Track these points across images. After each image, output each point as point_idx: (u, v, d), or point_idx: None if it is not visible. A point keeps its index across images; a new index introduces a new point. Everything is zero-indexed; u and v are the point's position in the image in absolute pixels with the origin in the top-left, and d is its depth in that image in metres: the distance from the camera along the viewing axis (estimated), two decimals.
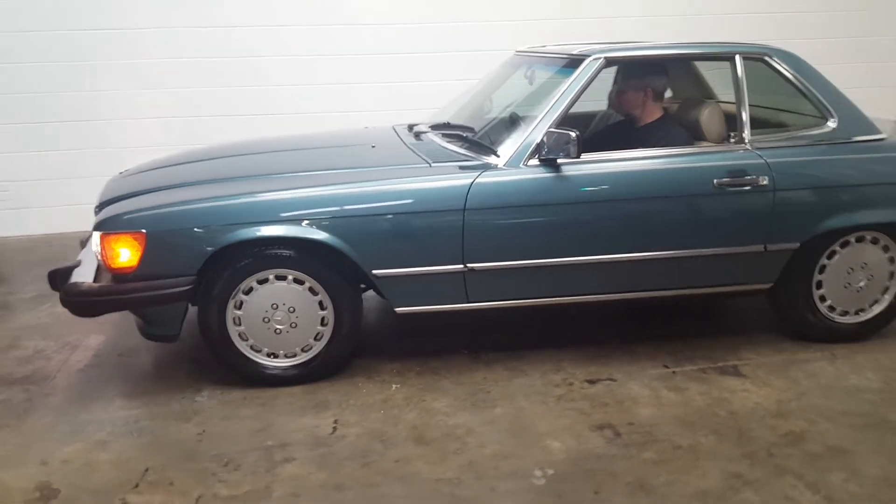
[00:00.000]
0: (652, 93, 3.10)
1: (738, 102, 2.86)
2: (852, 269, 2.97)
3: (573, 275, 2.79)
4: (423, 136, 3.17)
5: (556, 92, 2.78)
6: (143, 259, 2.53)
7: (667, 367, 2.90)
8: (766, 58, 2.91)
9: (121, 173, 3.31)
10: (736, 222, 2.81)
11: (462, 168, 2.73)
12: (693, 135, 3.02)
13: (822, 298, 3.00)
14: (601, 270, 2.79)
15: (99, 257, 2.57)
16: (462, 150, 2.88)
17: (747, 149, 2.82)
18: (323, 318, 2.71)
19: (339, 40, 4.86)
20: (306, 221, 2.57)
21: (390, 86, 4.94)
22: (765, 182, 2.76)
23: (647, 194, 2.75)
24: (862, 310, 3.05)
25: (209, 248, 2.52)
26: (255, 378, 2.74)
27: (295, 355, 2.74)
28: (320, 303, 2.69)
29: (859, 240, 2.94)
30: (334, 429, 2.49)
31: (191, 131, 4.74)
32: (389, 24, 4.89)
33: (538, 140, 2.68)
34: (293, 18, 4.79)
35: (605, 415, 2.55)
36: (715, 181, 2.74)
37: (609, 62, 2.84)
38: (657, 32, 4.79)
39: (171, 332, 2.68)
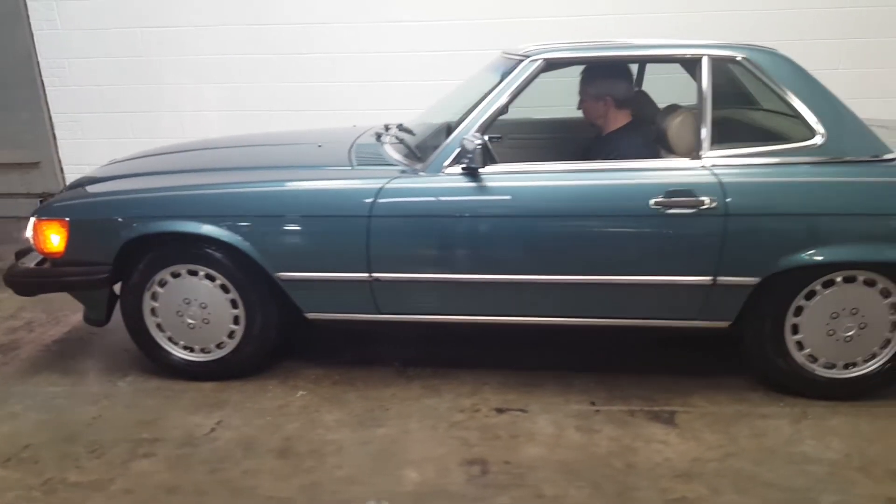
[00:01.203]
0: (613, 100, 2.77)
1: (700, 111, 2.47)
2: (837, 314, 2.48)
3: (490, 294, 2.57)
4: (382, 137, 3.06)
5: (485, 96, 2.57)
6: (68, 245, 2.67)
7: (594, 403, 2.60)
8: (740, 59, 2.49)
9: (110, 161, 3.51)
10: (677, 249, 2.44)
11: (378, 172, 2.60)
12: (665, 147, 2.66)
13: (800, 345, 2.53)
14: (519, 292, 2.55)
15: (31, 241, 2.74)
16: (395, 154, 2.74)
17: (702, 166, 2.43)
18: (235, 317, 2.71)
19: (379, 38, 4.83)
20: (211, 219, 2.57)
21: (427, 84, 4.83)
22: (713, 205, 2.36)
23: (572, 212, 2.46)
24: (852, 364, 2.54)
25: (121, 240, 2.61)
26: (172, 369, 2.81)
27: (209, 351, 2.77)
28: (232, 301, 2.69)
29: (848, 280, 2.45)
30: (212, 430, 2.49)
31: (241, 124, 4.92)
32: (429, 21, 4.77)
33: (458, 147, 2.48)
34: (335, 16, 4.82)
35: (488, 449, 2.33)
36: (652, 201, 2.39)
37: (550, 64, 2.57)
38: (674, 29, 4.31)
39: (99, 316, 2.80)
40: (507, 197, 2.48)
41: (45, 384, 2.84)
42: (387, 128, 3.15)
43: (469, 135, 2.42)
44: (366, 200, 2.50)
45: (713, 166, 2.42)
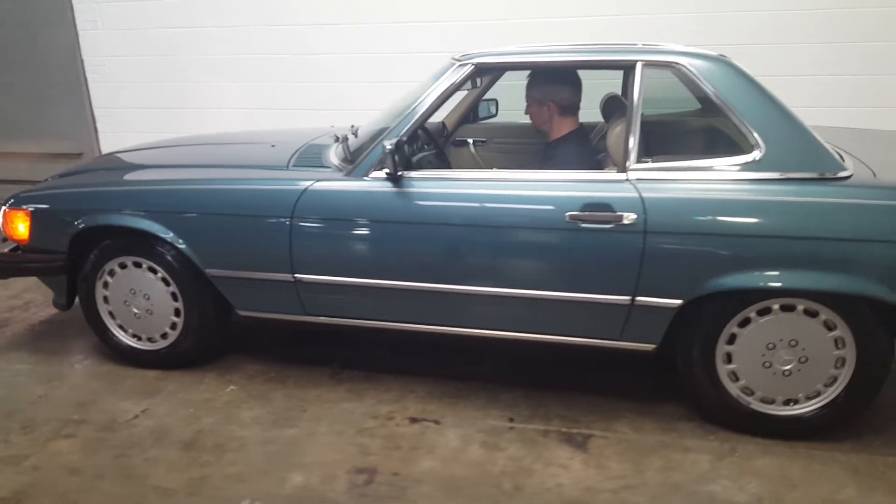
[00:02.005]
0: (556, 107, 2.66)
1: (628, 121, 2.34)
2: (774, 345, 2.28)
3: (409, 302, 2.53)
4: (339, 139, 3.07)
5: (413, 100, 2.53)
6: (31, 234, 2.85)
7: (512, 420, 2.51)
8: (677, 65, 2.33)
9: (106, 154, 3.71)
10: (593, 266, 2.32)
11: (307, 175, 2.62)
12: (609, 158, 2.54)
13: (735, 376, 2.36)
14: (436, 301, 2.50)
15: (1, 229, 2.94)
16: (333, 158, 2.75)
17: (626, 179, 2.30)
18: (176, 310, 2.80)
19: (395, 38, 4.85)
20: (147, 214, 2.67)
21: None
22: (631, 221, 2.23)
23: (487, 222, 2.38)
24: (793, 401, 2.34)
25: (71, 231, 2.75)
26: (123, 356, 2.94)
27: (154, 340, 2.88)
28: (173, 294, 2.78)
29: (787, 308, 2.25)
30: (135, 417, 2.59)
31: (261, 122, 5.09)
32: (445, 21, 4.74)
33: (381, 152, 2.47)
34: (351, 17, 4.88)
35: (383, 459, 2.31)
36: (567, 215, 2.29)
37: (479, 69, 2.50)
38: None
39: (62, 301, 2.97)
40: (424, 204, 2.44)
41: (14, 361, 3.04)
42: (352, 129, 3.16)
43: (386, 140, 2.39)
44: (289, 201, 2.52)
45: (637, 180, 2.28)
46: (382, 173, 2.46)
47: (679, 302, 2.27)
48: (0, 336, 3.29)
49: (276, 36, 5.01)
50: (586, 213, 2.27)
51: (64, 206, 2.79)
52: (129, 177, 2.90)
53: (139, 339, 2.90)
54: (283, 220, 2.52)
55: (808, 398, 2.32)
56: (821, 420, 2.32)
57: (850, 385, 2.26)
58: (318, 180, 2.54)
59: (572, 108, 2.69)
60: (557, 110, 2.66)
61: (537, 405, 2.60)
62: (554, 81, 2.65)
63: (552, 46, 2.55)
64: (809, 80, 4.21)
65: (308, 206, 2.51)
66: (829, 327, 2.23)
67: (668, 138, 2.47)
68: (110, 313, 2.89)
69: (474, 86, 3.14)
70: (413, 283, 2.49)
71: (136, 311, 2.84)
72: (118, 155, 3.42)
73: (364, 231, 2.49)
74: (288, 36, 5.00)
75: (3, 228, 2.92)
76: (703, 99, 2.35)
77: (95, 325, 2.92)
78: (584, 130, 2.72)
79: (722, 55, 2.36)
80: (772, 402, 2.35)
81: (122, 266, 2.80)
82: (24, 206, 2.85)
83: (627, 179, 2.28)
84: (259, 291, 2.66)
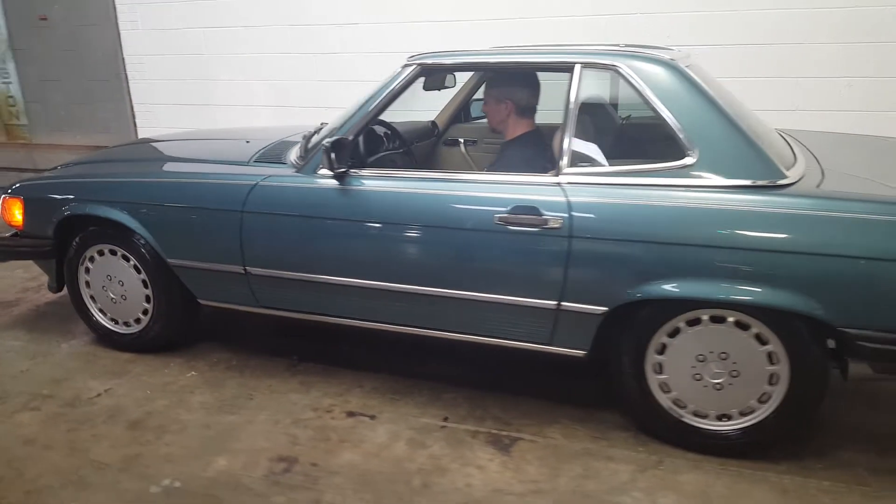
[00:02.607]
0: (514, 106, 2.65)
1: (563, 124, 2.31)
2: (704, 357, 2.21)
3: (351, 298, 2.58)
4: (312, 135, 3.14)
5: (362, 100, 2.58)
6: (24, 221, 3.06)
7: (446, 419, 2.53)
8: (615, 68, 2.29)
9: (111, 147, 3.93)
10: (519, 268, 2.30)
11: (262, 170, 2.70)
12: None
13: (665, 388, 2.30)
14: (376, 298, 2.53)
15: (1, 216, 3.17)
16: (292, 154, 2.81)
17: (557, 182, 2.27)
18: (147, 296, 2.95)
19: (418, 37, 4.90)
20: (118, 205, 2.82)
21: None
22: (556, 225, 2.21)
23: (422, 221, 2.40)
24: (726, 416, 2.25)
25: (56, 218, 2.94)
26: (103, 338, 3.11)
27: (129, 325, 3.04)
28: (144, 281, 2.93)
29: (717, 320, 2.18)
30: (98, 395, 2.74)
31: (287, 119, 5.25)
32: (466, 20, 4.75)
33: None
34: (375, 17, 4.96)
35: (308, 449, 2.37)
36: (496, 216, 2.28)
37: (425, 70, 2.52)
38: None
39: (52, 284, 3.18)
40: (361, 202, 2.47)
41: (11, 338, 3.27)
42: (319, 126, 3.23)
43: (327, 138, 2.45)
44: (240, 196, 2.62)
45: (568, 184, 2.25)
46: (329, 171, 2.51)
47: (604, 309, 2.22)
48: (7, 314, 3.54)
49: (298, 35, 5.16)
50: (514, 215, 2.25)
51: (51, 195, 2.99)
52: (110, 169, 3.07)
53: (116, 322, 3.06)
54: (234, 213, 2.62)
55: (742, 414, 2.23)
56: (754, 438, 2.23)
57: (784, 403, 2.16)
58: (269, 176, 2.63)
59: (529, 110, 2.67)
60: (515, 110, 2.65)
61: (477, 406, 2.60)
62: (513, 82, 2.64)
63: (499, 48, 2.54)
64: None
65: (257, 201, 2.59)
66: (762, 341, 2.14)
67: (607, 141, 2.42)
68: (91, 297, 3.07)
69: (441, 86, 3.12)
70: (350, 279, 2.53)
71: (112, 296, 3.00)
72: (119, 147, 3.63)
73: (306, 227, 2.55)
74: (309, 35, 5.14)
75: (2, 214, 3.15)
76: (642, 102, 2.28)
77: (79, 307, 3.11)
78: (540, 133, 2.70)
79: (663, 57, 2.29)
80: (705, 416, 2.27)
81: (101, 253, 2.97)
82: (19, 194, 3.06)
83: (558, 183, 2.26)
84: (215, 282, 2.77)
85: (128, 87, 5.73)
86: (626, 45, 2.52)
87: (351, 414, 2.57)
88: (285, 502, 2.11)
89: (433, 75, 2.59)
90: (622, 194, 2.19)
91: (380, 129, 3.03)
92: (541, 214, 2.22)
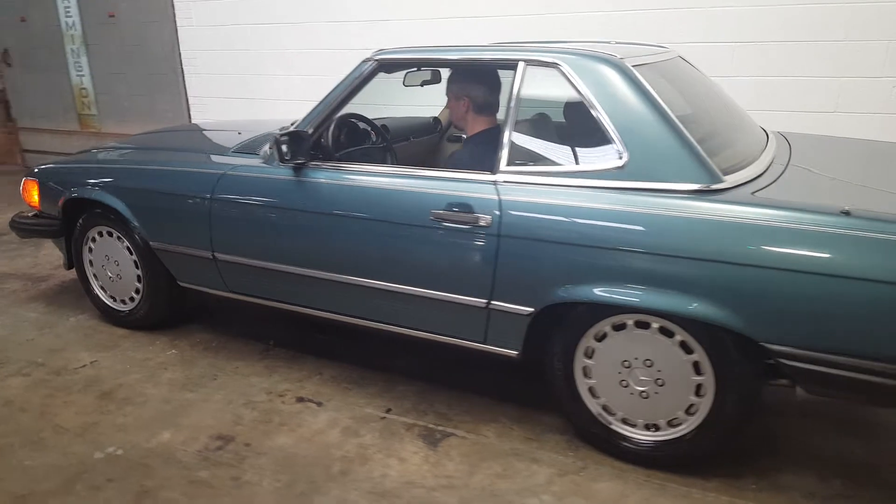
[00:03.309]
0: (471, 103, 2.64)
1: (505, 121, 2.29)
2: (630, 363, 2.15)
3: (306, 287, 2.65)
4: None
5: (324, 95, 2.65)
6: (40, 201, 3.33)
7: (389, 411, 2.56)
8: (557, 65, 2.24)
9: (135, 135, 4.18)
10: (451, 265, 2.30)
11: (234, 160, 2.82)
12: None
13: (595, 393, 2.24)
14: (326, 288, 2.59)
15: (22, 196, 3.46)
16: (266, 146, 2.90)
17: (493, 181, 2.25)
18: (138, 276, 3.14)
19: (451, 33, 4.94)
20: (109, 190, 3.02)
21: None
22: (487, 224, 2.19)
23: (362, 215, 2.43)
24: (654, 426, 2.18)
25: (62, 200, 3.19)
26: (103, 313, 3.34)
27: (124, 303, 3.25)
28: (135, 262, 3.13)
29: (641, 325, 2.11)
30: (83, 366, 2.95)
31: None
32: (497, 16, 4.75)
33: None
34: (406, 13, 5.04)
35: (248, 430, 2.46)
36: (432, 213, 2.29)
37: (382, 66, 2.56)
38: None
39: (65, 262, 3.43)
40: (312, 193, 2.54)
41: (31, 310, 3.56)
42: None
43: (281, 132, 2.53)
44: (210, 184, 2.75)
45: (504, 182, 2.23)
46: (292, 162, 2.59)
47: (531, 310, 2.19)
48: (35, 288, 3.86)
49: (335, 31, 5.30)
50: (447, 212, 2.26)
51: (59, 179, 3.23)
52: (114, 155, 3.29)
53: (114, 300, 3.28)
54: (204, 201, 2.75)
55: (670, 425, 2.14)
56: (682, 450, 2.14)
57: (710, 417, 2.07)
58: (237, 166, 2.74)
59: (487, 107, 2.65)
60: (473, 107, 2.64)
61: (424, 400, 2.62)
62: (471, 78, 2.64)
63: (452, 46, 2.55)
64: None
65: (223, 190, 2.71)
66: (688, 350, 2.05)
67: (549, 140, 2.37)
68: (94, 275, 3.30)
69: (421, 83, 3.13)
70: (300, 269, 2.61)
71: (110, 274, 3.22)
72: (138, 135, 3.88)
73: (262, 216, 2.65)
74: (346, 31, 5.27)
75: (22, 195, 3.43)
76: (582, 101, 2.23)
77: (84, 284, 3.35)
78: (500, 130, 2.67)
79: (606, 55, 2.22)
80: (633, 424, 2.21)
81: (101, 234, 3.18)
82: (36, 177, 3.33)
83: (494, 181, 2.24)
84: (190, 266, 2.92)
85: (183, 80, 6.05)
86: (586, 42, 2.47)
87: (300, 399, 2.65)
88: (207, 477, 2.21)
89: (391, 71, 2.62)
90: (551, 194, 2.15)
91: (362, 125, 3.09)
92: (472, 212, 2.22)
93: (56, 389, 2.76)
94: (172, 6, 5.85)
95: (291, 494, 2.12)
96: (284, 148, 2.47)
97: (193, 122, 6.07)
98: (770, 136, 2.68)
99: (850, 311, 1.78)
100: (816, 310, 1.82)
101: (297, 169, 2.57)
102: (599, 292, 2.07)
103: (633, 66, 2.22)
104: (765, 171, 2.20)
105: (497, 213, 2.18)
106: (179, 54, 5.99)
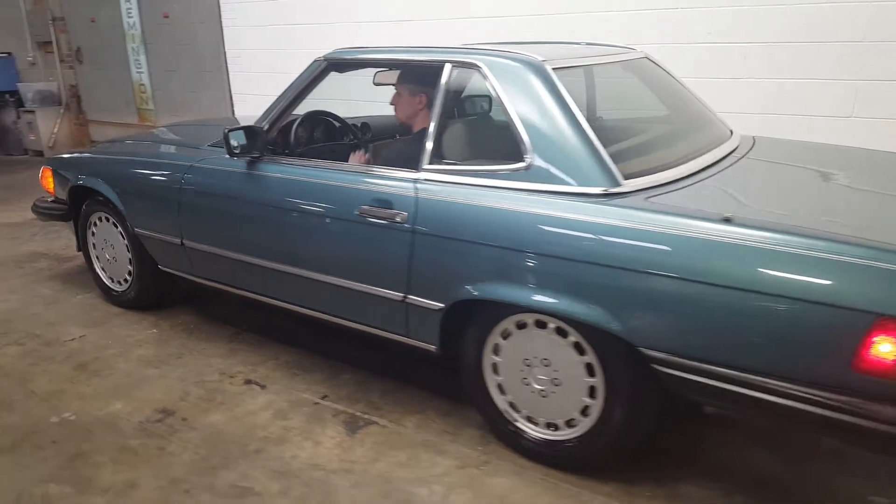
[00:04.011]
0: (427, 100, 2.71)
1: (430, 120, 2.35)
2: (530, 361, 2.17)
3: (256, 275, 2.78)
4: None
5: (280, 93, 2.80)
6: (54, 188, 3.64)
7: (324, 397, 2.67)
8: (477, 67, 2.28)
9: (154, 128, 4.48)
10: (374, 259, 2.38)
11: (204, 153, 3.00)
12: None
13: (502, 390, 2.27)
14: (272, 277, 2.72)
15: (40, 182, 3.79)
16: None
17: (414, 178, 2.31)
18: (130, 259, 3.39)
19: (468, 34, 5.00)
20: (103, 178, 3.28)
21: None
22: (402, 219, 2.26)
23: (302, 208, 2.54)
24: (554, 425, 2.19)
25: (68, 187, 3.48)
26: (104, 293, 3.62)
27: (120, 284, 3.51)
28: (127, 246, 3.37)
29: (540, 325, 2.12)
30: (72, 339, 3.21)
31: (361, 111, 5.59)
32: (515, 16, 4.78)
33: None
34: (432, 13, 5.14)
35: (191, 406, 2.62)
36: (358, 207, 2.38)
37: (331, 65, 2.68)
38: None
39: (77, 244, 3.74)
40: (257, 186, 2.67)
41: (47, 287, 3.89)
42: None
43: (230, 127, 2.68)
44: (179, 175, 2.94)
45: (425, 180, 2.29)
46: (248, 156, 2.74)
47: (441, 305, 2.25)
48: (58, 267, 4.20)
49: (361, 31, 5.45)
50: (371, 207, 2.34)
51: (67, 167, 3.53)
52: (116, 147, 3.56)
53: (112, 280, 3.54)
54: (173, 190, 2.95)
55: (568, 426, 2.15)
56: (576, 452, 2.14)
57: (602, 419, 2.06)
58: (203, 158, 2.92)
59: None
60: (427, 104, 2.71)
61: (361, 389, 2.71)
62: (428, 77, 2.70)
63: (394, 47, 2.65)
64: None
65: (189, 180, 2.90)
66: (581, 351, 2.05)
67: (470, 139, 2.40)
68: (97, 257, 3.58)
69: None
70: (247, 256, 2.76)
71: (108, 256, 3.49)
72: (158, 128, 4.15)
73: (220, 206, 2.82)
74: (372, 31, 5.42)
75: (41, 181, 3.76)
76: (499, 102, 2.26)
77: (88, 264, 3.63)
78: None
79: (525, 56, 2.24)
80: (536, 423, 2.22)
81: (100, 219, 3.45)
82: (50, 165, 3.64)
83: (415, 179, 2.31)
84: (165, 252, 3.13)
85: (228, 77, 6.38)
86: (526, 43, 2.50)
87: (248, 382, 2.80)
88: (136, 445, 2.39)
89: (341, 70, 2.74)
90: (460, 193, 2.19)
91: (335, 123, 3.22)
92: (391, 208, 2.29)
93: (41, 359, 3.03)
94: (219, 7, 6.18)
95: (202, 467, 2.26)
96: (232, 142, 2.62)
97: (236, 115, 6.38)
98: (734, 139, 2.62)
99: (713, 318, 1.75)
100: (685, 316, 1.80)
101: (252, 163, 2.71)
102: (498, 291, 2.10)
103: (558, 68, 2.23)
104: (686, 177, 2.16)
105: (413, 209, 2.24)
106: (224, 53, 6.32)
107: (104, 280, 3.58)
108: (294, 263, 2.61)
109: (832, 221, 1.83)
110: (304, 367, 2.90)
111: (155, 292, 3.43)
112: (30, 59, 7.95)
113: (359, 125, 3.30)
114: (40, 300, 3.69)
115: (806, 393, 1.67)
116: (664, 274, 1.80)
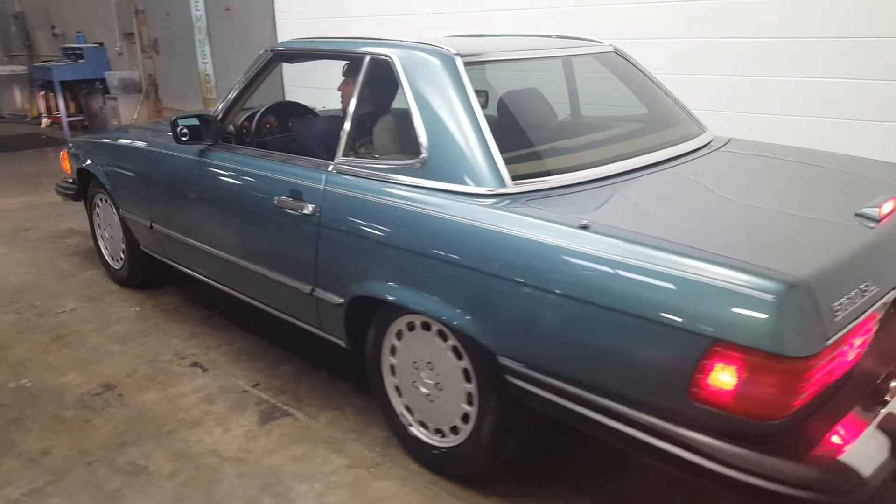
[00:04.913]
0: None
1: (345, 113, 2.34)
2: (418, 364, 2.11)
3: (202, 258, 2.88)
4: None
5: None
6: (70, 169, 3.90)
7: (256, 385, 2.71)
8: (392, 60, 2.24)
9: None
10: (288, 250, 2.39)
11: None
12: None
13: (399, 392, 2.23)
14: (216, 262, 2.79)
15: (61, 164, 4.05)
16: None
17: (326, 170, 2.29)
18: (122, 238, 3.57)
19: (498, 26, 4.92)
20: (98, 164, 3.48)
21: None
22: (310, 211, 2.25)
23: (234, 196, 2.61)
24: (441, 431, 2.12)
25: (76, 168, 3.71)
26: (106, 271, 3.84)
27: (117, 262, 3.71)
28: (120, 226, 3.56)
29: (426, 327, 2.07)
30: (63, 312, 3.43)
31: None
32: (545, 7, 4.64)
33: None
34: (462, 6, 5.09)
35: (133, 383, 2.74)
36: (276, 198, 2.40)
37: (276, 56, 2.71)
38: None
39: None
40: (205, 173, 2.75)
41: (66, 262, 4.16)
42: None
43: (179, 116, 2.77)
44: (149, 161, 3.08)
45: (336, 173, 2.27)
46: (196, 144, 2.80)
47: (342, 300, 2.23)
48: (84, 245, 4.47)
49: (399, 24, 5.48)
50: (286, 198, 2.35)
51: (77, 151, 3.76)
52: (116, 133, 3.76)
53: (112, 259, 3.75)
54: (145, 176, 3.08)
55: (452, 432, 2.08)
56: (455, 459, 2.07)
57: (476, 428, 1.98)
58: (170, 145, 3.02)
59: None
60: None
61: (293, 381, 2.73)
62: (356, 67, 2.69)
63: (327, 38, 2.69)
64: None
65: (156, 166, 3.03)
66: (459, 356, 1.98)
67: (382, 133, 2.34)
68: (101, 236, 3.80)
69: None
70: (194, 241, 2.87)
71: (107, 235, 3.69)
72: (168, 115, 4.34)
73: (175, 191, 2.96)
74: (409, 24, 5.43)
75: (61, 163, 4.03)
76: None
77: (95, 243, 3.87)
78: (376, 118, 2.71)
79: (439, 48, 2.17)
80: (427, 427, 2.16)
81: (102, 200, 3.66)
82: (66, 149, 3.90)
83: (328, 171, 2.30)
84: (142, 234, 3.28)
85: (281, 69, 6.56)
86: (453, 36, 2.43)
87: (194, 364, 2.89)
88: (69, 416, 2.52)
89: (287, 60, 2.79)
90: (361, 188, 2.16)
91: (309, 114, 3.26)
92: (302, 200, 2.29)
93: (28, 328, 3.25)
94: (272, 3, 6.36)
95: (114, 442, 2.35)
96: (178, 130, 2.70)
97: None
98: (693, 141, 2.43)
99: (558, 330, 1.64)
100: (534, 326, 1.71)
101: (204, 151, 2.79)
102: (385, 290, 2.06)
103: (472, 62, 2.16)
104: (588, 181, 2.02)
105: (320, 202, 2.23)
106: None
107: (106, 257, 3.79)
108: (229, 251, 2.67)
109: (702, 237, 1.65)
110: (253, 354, 2.95)
111: (143, 272, 3.59)
112: (117, 49, 8.52)
113: (321, 115, 3.32)
114: (55, 274, 3.96)
115: (641, 419, 1.53)
116: (515, 279, 1.71)
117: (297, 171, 2.38)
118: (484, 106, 3.36)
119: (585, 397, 1.62)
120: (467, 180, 1.94)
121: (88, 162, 3.54)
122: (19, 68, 9.54)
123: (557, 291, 1.63)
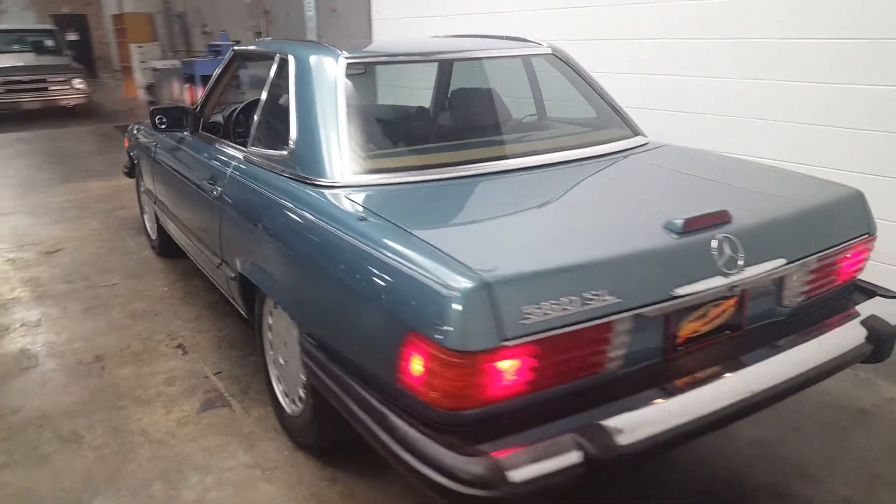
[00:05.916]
0: None
1: (256, 104, 2.58)
2: (280, 340, 2.28)
3: (177, 234, 3.25)
4: None
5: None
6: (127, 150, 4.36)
7: (219, 373, 2.85)
8: (287, 59, 2.40)
9: None
10: (208, 227, 2.68)
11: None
12: None
13: (277, 364, 2.38)
14: (182, 239, 3.16)
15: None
16: None
17: (238, 155, 2.54)
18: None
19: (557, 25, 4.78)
20: (134, 143, 4.02)
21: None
22: (217, 193, 2.52)
23: (185, 178, 2.96)
24: (294, 400, 2.28)
25: (127, 150, 4.21)
26: (150, 246, 4.28)
27: (153, 232, 4.17)
28: None
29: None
30: (105, 286, 3.80)
31: None
32: (604, 6, 4.45)
33: None
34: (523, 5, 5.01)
35: (119, 356, 3.00)
36: (207, 179, 2.66)
37: (236, 56, 2.93)
38: None
39: None
40: (175, 157, 3.12)
41: (133, 241, 4.56)
42: None
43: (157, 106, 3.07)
44: (154, 142, 3.51)
45: (241, 159, 2.50)
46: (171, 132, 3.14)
47: (233, 275, 2.42)
48: (135, 221, 4.83)
49: (472, 22, 5.49)
50: (208, 181, 2.63)
51: (131, 134, 4.19)
52: None
53: (151, 230, 4.22)
54: (150, 156, 3.56)
55: (301, 401, 2.21)
56: (302, 431, 2.25)
57: (308, 405, 2.11)
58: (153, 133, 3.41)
59: None
60: None
61: (254, 373, 2.82)
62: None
63: (271, 40, 2.86)
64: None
65: (158, 148, 3.43)
66: None
67: (276, 126, 2.42)
68: (144, 210, 4.28)
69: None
70: (169, 217, 3.30)
71: (147, 209, 4.16)
72: None
73: (161, 172, 3.36)
74: (478, 23, 5.43)
75: (125, 144, 4.46)
76: None
77: (141, 216, 4.35)
78: None
79: (329, 48, 2.33)
80: (291, 400, 2.32)
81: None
82: (125, 134, 4.34)
83: (236, 157, 2.53)
84: (159, 211, 3.67)
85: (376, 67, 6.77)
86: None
87: (178, 346, 3.10)
88: (55, 379, 2.82)
89: (244, 59, 3.00)
90: (246, 173, 2.40)
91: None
92: (215, 183, 2.55)
93: (70, 298, 3.64)
94: (369, 4, 6.58)
95: (70, 410, 2.59)
96: (156, 118, 2.97)
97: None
98: (607, 145, 2.38)
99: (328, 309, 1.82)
100: (317, 305, 1.90)
101: (181, 139, 3.10)
102: (250, 270, 2.27)
103: (356, 62, 2.31)
104: (435, 180, 2.08)
105: (224, 185, 2.48)
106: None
107: (148, 230, 4.22)
108: (185, 227, 3.06)
109: (453, 237, 1.73)
110: (234, 343, 3.10)
111: (169, 242, 3.85)
112: None
113: None
114: (120, 251, 4.38)
115: (358, 396, 1.61)
116: (308, 262, 1.91)
117: (222, 157, 2.63)
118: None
119: (335, 373, 1.72)
120: (313, 172, 2.07)
121: (131, 143, 3.97)
122: (175, 63, 10.58)
123: (330, 272, 1.75)
